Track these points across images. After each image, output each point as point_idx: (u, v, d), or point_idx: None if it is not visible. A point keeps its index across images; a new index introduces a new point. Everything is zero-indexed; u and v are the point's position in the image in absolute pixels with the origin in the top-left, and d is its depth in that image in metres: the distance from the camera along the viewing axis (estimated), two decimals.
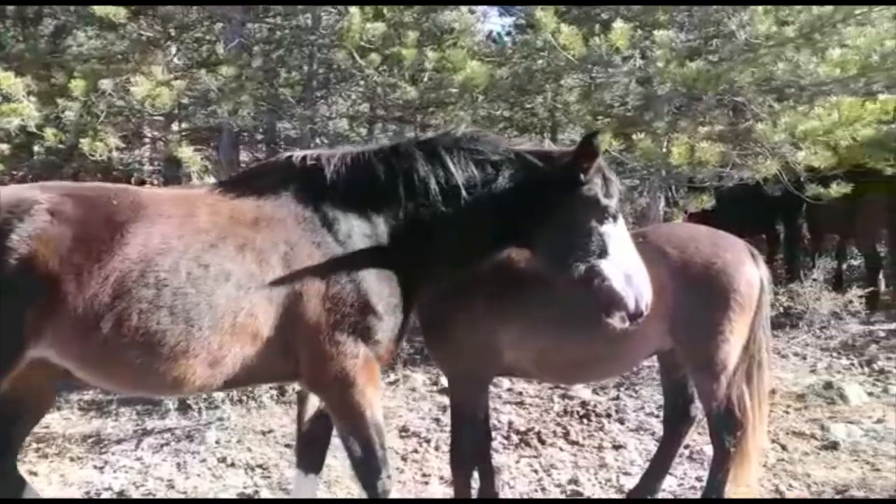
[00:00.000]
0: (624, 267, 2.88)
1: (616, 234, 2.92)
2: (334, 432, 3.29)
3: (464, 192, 2.97)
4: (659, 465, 3.84)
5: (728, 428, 3.39)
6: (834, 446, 4.55)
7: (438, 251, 3.05)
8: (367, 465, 3.01)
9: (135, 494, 4.28)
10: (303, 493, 3.52)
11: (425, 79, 6.72)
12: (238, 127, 6.21)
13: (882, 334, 7.24)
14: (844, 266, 9.34)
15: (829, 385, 5.56)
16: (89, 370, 2.96)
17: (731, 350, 3.32)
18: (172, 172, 7.45)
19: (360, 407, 2.97)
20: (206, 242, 2.85)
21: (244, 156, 10.86)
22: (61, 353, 2.85)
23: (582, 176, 2.90)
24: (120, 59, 6.66)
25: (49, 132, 5.60)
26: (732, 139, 6.98)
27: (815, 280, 7.68)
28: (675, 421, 3.76)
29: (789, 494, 3.99)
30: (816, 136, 6.48)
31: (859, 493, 3.93)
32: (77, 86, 5.73)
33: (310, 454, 3.46)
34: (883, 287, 8.21)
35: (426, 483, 4.32)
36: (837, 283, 8.48)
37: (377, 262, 2.95)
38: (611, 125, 7.31)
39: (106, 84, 5.85)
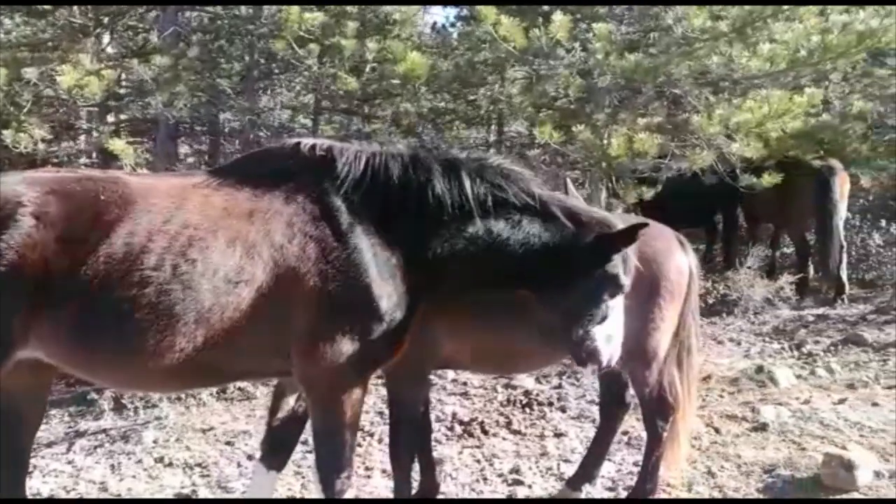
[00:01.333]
0: (610, 331, 3.00)
1: (618, 306, 3.02)
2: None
3: (478, 223, 2.91)
4: (596, 452, 3.92)
5: (661, 413, 3.49)
6: (763, 427, 4.72)
7: (445, 269, 2.96)
8: (332, 464, 2.98)
9: (65, 498, 4.15)
10: (260, 487, 3.49)
11: (367, 70, 6.68)
12: (174, 118, 6.03)
13: (811, 319, 7.55)
14: (778, 254, 9.68)
15: (760, 369, 5.77)
16: (80, 370, 2.97)
17: (662, 337, 3.41)
18: (112, 165, 7.20)
19: (344, 407, 2.93)
20: (195, 237, 2.75)
21: (186, 148, 10.59)
22: (49, 354, 2.81)
23: (611, 255, 2.92)
24: (49, 46, 6.37)
25: None
26: (671, 131, 7.16)
27: (749, 268, 7.94)
28: (611, 407, 3.85)
29: (721, 475, 4.12)
30: (749, 128, 6.70)
31: (786, 472, 4.09)
32: None
33: (277, 451, 3.44)
34: (812, 273, 8.52)
35: (369, 477, 4.30)
36: (771, 270, 8.79)
37: (380, 261, 2.83)
38: (552, 117, 7.39)
39: (30, 73, 5.62)
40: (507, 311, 3.25)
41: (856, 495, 3.78)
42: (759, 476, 4.09)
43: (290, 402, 3.30)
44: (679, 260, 3.45)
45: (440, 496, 3.94)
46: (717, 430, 4.75)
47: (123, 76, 6.73)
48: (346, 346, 2.82)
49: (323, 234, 2.81)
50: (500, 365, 3.72)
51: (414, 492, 3.79)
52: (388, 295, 2.83)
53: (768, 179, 7.38)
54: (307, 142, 3.01)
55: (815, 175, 8.11)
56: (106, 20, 7.25)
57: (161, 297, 2.67)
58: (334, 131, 9.08)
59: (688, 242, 3.61)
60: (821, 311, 7.84)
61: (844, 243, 8.27)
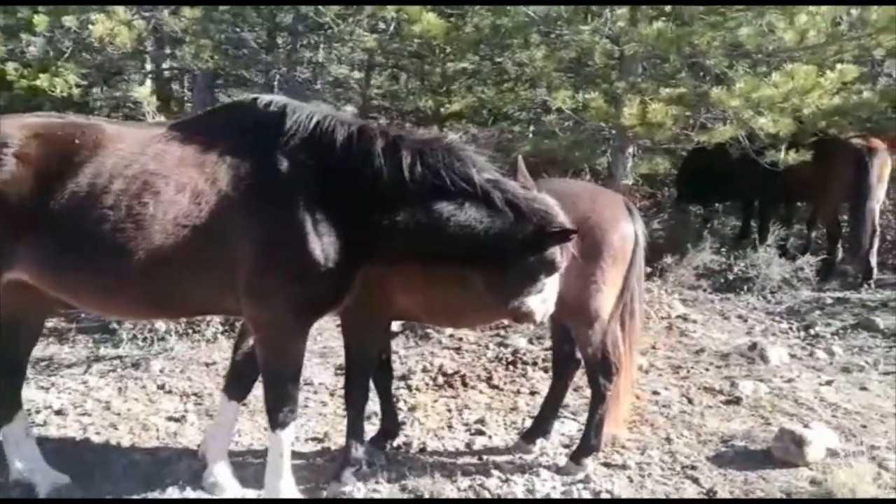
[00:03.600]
0: (545, 296, 3.17)
1: (553, 280, 3.18)
2: None
3: (417, 202, 3.00)
4: (549, 407, 4.09)
5: (604, 372, 3.62)
6: (736, 401, 4.76)
7: (388, 238, 3.08)
8: (277, 398, 3.26)
9: (72, 413, 4.58)
10: (223, 417, 3.79)
11: (390, 28, 6.81)
12: (199, 70, 6.32)
13: (829, 302, 7.36)
14: (815, 234, 9.38)
15: (753, 346, 5.75)
16: (56, 291, 3.29)
17: (605, 300, 3.52)
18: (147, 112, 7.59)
19: (285, 347, 3.20)
20: (149, 182, 3.02)
21: (226, 98, 10.93)
22: (30, 276, 3.18)
23: (546, 248, 3.06)
24: None
25: (11, 67, 5.75)
26: (696, 103, 7.03)
27: (768, 246, 7.81)
28: (562, 365, 4.00)
29: (677, 442, 4.20)
30: (773, 102, 6.53)
31: (741, 444, 4.15)
32: (41, 21, 5.87)
33: (238, 384, 3.71)
34: (840, 255, 8.27)
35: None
36: (805, 250, 8.58)
37: (317, 216, 3.00)
38: (575, 83, 7.36)
39: (69, 21, 5.97)
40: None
41: (804, 471, 3.82)
42: (714, 446, 4.16)
43: (251, 341, 3.56)
44: (624, 227, 3.53)
45: (401, 439, 4.18)
46: (689, 401, 4.81)
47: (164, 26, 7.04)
48: (284, 292, 3.05)
49: (264, 186, 3.01)
50: (449, 319, 3.88)
51: (372, 434, 4.06)
52: (323, 247, 3.01)
53: (794, 156, 7.20)
54: (265, 98, 3.20)
55: (853, 154, 7.82)
56: None
57: (116, 233, 2.97)
58: (391, 83, 9.17)
59: (636, 210, 3.67)
60: (842, 294, 7.63)
61: (878, 227, 8.00)
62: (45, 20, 5.89)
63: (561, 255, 3.08)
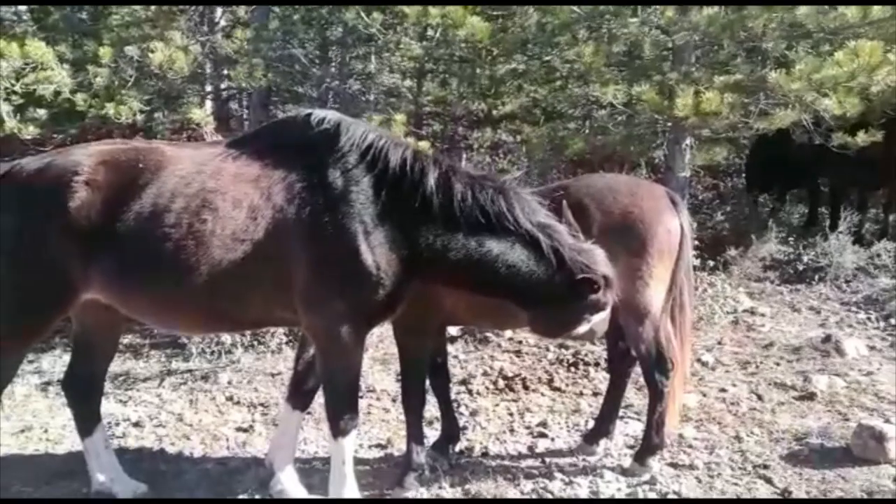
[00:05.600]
0: (594, 322, 3.21)
1: (602, 314, 3.22)
2: None
3: (467, 233, 3.07)
4: (610, 406, 4.02)
5: (660, 369, 3.54)
6: (810, 397, 4.57)
7: (437, 262, 3.13)
8: (337, 407, 3.32)
9: (149, 425, 4.77)
10: (287, 426, 3.88)
11: (436, 35, 6.83)
12: (253, 89, 6.50)
13: None
14: (892, 218, 8.89)
15: (827, 338, 5.51)
16: (126, 310, 3.46)
17: (653, 294, 3.45)
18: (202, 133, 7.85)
19: (342, 357, 3.25)
20: (207, 199, 3.13)
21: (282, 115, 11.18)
22: (103, 296, 3.34)
23: (585, 298, 3.11)
24: (149, 25, 6.98)
25: (80, 97, 6.05)
26: (754, 89, 6.79)
27: (840, 233, 7.46)
28: (618, 362, 3.93)
29: (748, 440, 4.07)
30: (838, 82, 6.24)
31: (816, 441, 3.98)
32: (105, 53, 6.15)
33: (300, 394, 3.79)
34: None
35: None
36: (882, 235, 8.18)
37: (369, 230, 3.06)
38: (627, 76, 7.22)
39: (131, 50, 6.24)
40: None
41: (887, 468, 3.63)
42: (788, 444, 4.00)
43: (311, 350, 3.63)
44: (668, 220, 3.45)
45: (463, 443, 4.19)
46: (759, 398, 4.65)
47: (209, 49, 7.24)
48: (339, 304, 3.11)
49: (318, 200, 3.07)
50: (495, 321, 3.86)
51: (435, 439, 4.08)
52: (374, 260, 3.06)
53: (864, 138, 6.86)
54: (319, 114, 3.25)
55: None
56: None
57: (178, 251, 3.08)
58: (441, 89, 9.20)
59: (681, 201, 3.57)
60: None
61: None
62: (110, 51, 6.16)
63: (606, 297, 3.10)
